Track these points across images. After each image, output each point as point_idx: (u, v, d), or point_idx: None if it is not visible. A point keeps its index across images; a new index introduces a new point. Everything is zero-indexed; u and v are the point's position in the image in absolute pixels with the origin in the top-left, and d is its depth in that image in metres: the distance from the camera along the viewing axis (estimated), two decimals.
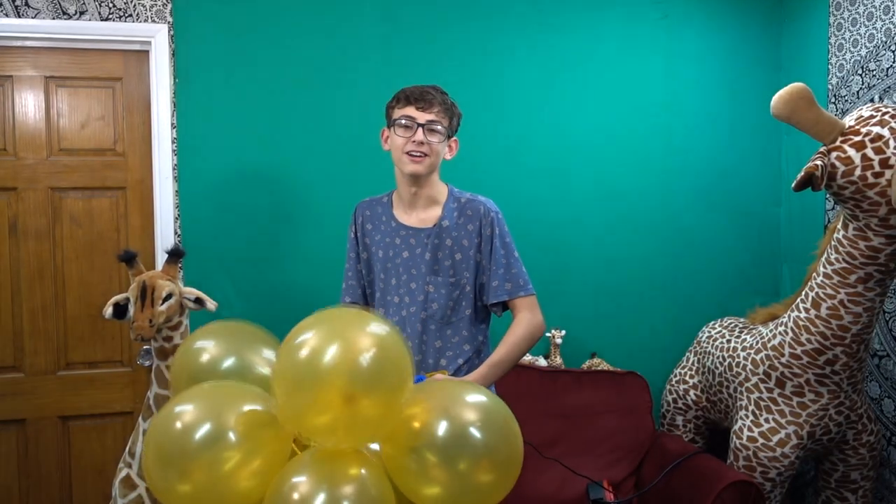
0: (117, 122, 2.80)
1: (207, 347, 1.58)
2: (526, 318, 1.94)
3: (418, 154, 1.90)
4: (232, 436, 1.32)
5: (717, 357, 2.77)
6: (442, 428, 1.33)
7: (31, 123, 2.72)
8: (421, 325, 1.95)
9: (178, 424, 1.33)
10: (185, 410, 1.36)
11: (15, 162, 2.72)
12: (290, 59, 2.87)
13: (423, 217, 1.99)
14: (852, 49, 2.90)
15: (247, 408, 1.38)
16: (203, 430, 1.32)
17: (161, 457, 1.33)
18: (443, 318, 1.94)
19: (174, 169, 2.79)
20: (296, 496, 1.26)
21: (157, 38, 2.74)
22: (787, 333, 2.43)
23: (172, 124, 2.78)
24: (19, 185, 2.72)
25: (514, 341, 1.90)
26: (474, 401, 1.40)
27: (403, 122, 1.91)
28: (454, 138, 2.01)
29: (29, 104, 2.72)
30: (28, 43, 2.70)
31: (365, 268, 2.11)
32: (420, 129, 1.89)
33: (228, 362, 1.57)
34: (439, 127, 1.92)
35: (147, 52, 2.78)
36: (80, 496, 2.81)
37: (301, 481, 1.28)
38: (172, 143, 2.78)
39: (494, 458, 1.35)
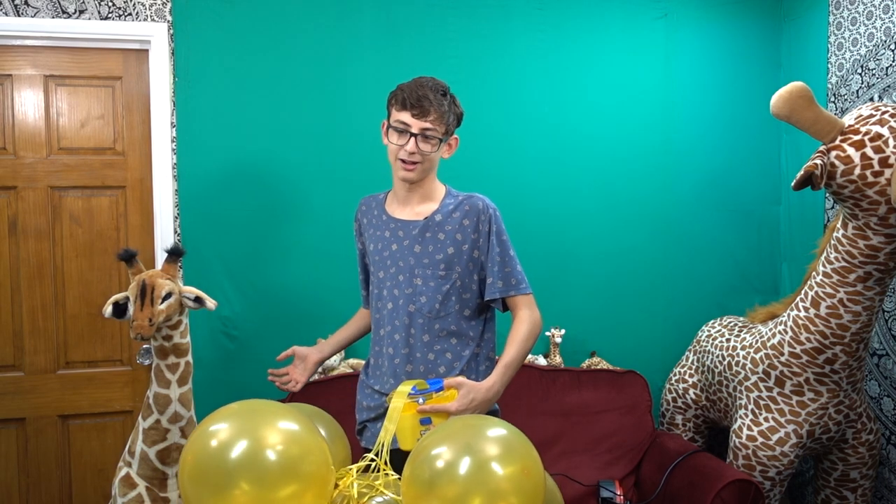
0: (117, 121, 2.80)
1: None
2: (524, 315, 1.93)
3: (410, 162, 1.89)
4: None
5: (717, 356, 2.77)
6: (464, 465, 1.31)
7: (30, 122, 2.72)
8: (409, 317, 1.93)
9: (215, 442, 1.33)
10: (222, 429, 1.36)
11: (14, 161, 2.72)
12: (290, 58, 2.87)
13: (416, 211, 1.98)
14: (852, 48, 2.90)
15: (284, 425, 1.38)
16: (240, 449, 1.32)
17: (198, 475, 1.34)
18: (430, 311, 1.92)
19: (174, 168, 2.79)
20: None
21: (157, 37, 2.74)
22: (786, 332, 2.43)
23: (172, 123, 2.78)
24: (19, 184, 2.72)
25: (520, 339, 1.89)
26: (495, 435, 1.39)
27: (398, 127, 1.89)
28: (454, 136, 1.99)
29: (28, 103, 2.72)
30: (28, 42, 2.70)
31: (369, 261, 2.12)
32: (413, 139, 1.87)
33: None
34: (434, 135, 1.89)
35: (146, 51, 2.78)
36: (79, 495, 2.81)
37: None
38: (172, 141, 2.78)
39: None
